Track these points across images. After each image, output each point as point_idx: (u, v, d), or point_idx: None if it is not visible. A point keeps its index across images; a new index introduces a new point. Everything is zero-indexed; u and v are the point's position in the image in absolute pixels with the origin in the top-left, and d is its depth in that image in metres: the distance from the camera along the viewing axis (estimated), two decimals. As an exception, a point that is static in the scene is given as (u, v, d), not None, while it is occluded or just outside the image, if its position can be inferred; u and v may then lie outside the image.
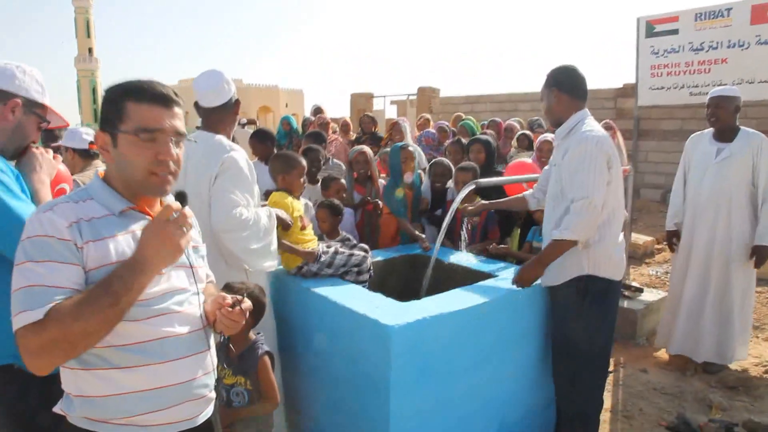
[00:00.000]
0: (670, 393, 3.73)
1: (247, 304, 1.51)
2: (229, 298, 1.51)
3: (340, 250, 2.99)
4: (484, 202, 3.36)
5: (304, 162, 3.18)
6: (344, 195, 4.04)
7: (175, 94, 1.44)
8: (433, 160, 4.51)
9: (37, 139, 1.99)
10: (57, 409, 1.43)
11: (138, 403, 1.37)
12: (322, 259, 2.91)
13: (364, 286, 2.94)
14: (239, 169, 2.60)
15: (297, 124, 8.60)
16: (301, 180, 3.12)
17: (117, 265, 1.30)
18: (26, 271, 1.26)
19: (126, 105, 1.36)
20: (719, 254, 3.89)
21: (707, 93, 4.59)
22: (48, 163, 2.01)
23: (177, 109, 1.43)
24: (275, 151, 5.15)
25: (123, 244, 1.37)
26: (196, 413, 1.49)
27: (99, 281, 1.27)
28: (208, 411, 1.54)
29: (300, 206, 3.10)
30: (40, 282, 1.24)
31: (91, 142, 3.65)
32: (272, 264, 2.77)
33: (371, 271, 3.06)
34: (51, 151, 2.04)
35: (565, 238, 2.59)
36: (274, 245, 2.75)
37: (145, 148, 1.37)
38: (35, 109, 1.89)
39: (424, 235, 3.72)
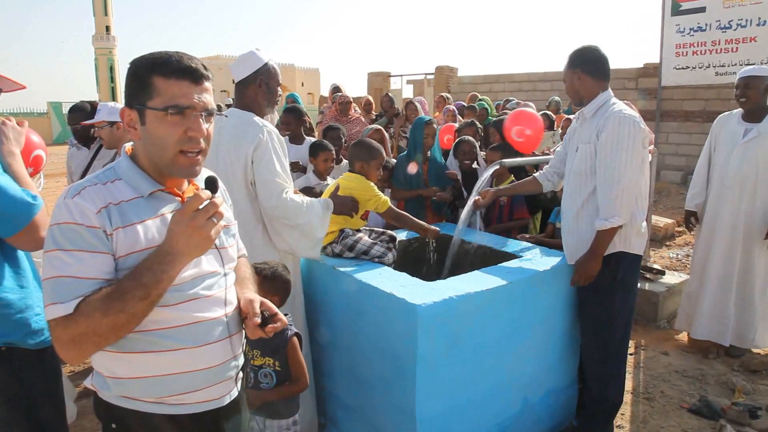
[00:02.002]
0: (691, 376, 3.72)
1: (280, 325, 1.46)
2: (258, 316, 1.46)
3: (365, 238, 3.00)
4: (491, 189, 3.32)
5: (384, 153, 3.24)
6: (332, 165, 4.14)
7: (205, 68, 1.36)
8: (458, 139, 4.49)
9: None
10: (88, 384, 1.44)
11: (169, 384, 1.38)
12: (345, 240, 2.93)
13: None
14: (276, 149, 2.63)
15: (313, 102, 8.65)
16: (378, 171, 3.19)
17: (146, 257, 1.26)
18: (55, 260, 1.24)
19: (154, 80, 1.30)
20: (744, 235, 3.84)
21: (734, 73, 4.49)
22: (15, 132, 1.94)
23: (207, 84, 1.36)
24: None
25: (152, 229, 1.33)
26: (225, 393, 1.49)
27: (129, 273, 1.24)
28: (235, 391, 1.55)
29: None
30: (69, 273, 1.22)
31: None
32: (317, 253, 2.80)
33: (395, 256, 3.05)
34: (13, 119, 1.98)
35: (614, 226, 2.64)
36: (322, 234, 2.77)
37: (174, 124, 1.30)
38: None
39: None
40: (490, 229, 3.76)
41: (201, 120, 1.33)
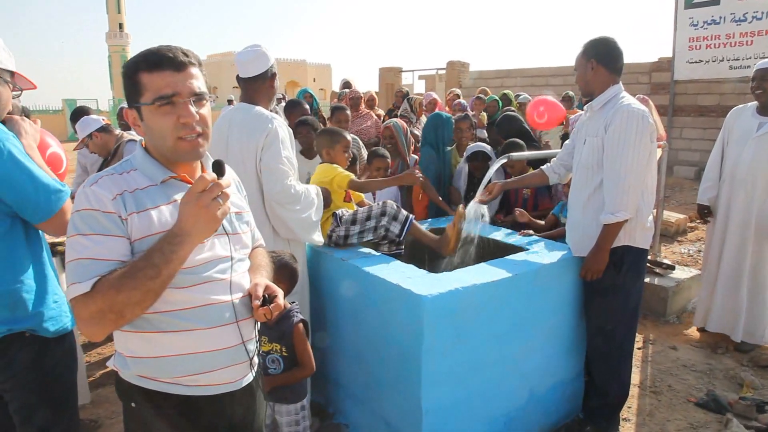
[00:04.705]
0: (699, 370, 3.71)
1: (273, 307, 1.50)
2: (260, 299, 1.50)
3: (360, 208, 3.06)
4: (499, 182, 3.33)
5: (348, 136, 3.28)
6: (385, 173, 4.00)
7: (185, 54, 1.40)
8: (472, 150, 4.34)
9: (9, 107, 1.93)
10: (110, 364, 1.52)
11: (184, 365, 1.44)
12: (344, 218, 2.99)
13: (400, 251, 3.05)
14: (284, 140, 2.71)
15: (325, 98, 8.71)
16: (346, 154, 3.23)
17: (158, 238, 1.32)
18: (76, 244, 1.32)
19: (140, 77, 1.37)
20: (755, 230, 3.83)
21: (748, 66, 4.42)
22: (32, 129, 2.03)
23: (192, 70, 1.40)
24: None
25: (166, 213, 1.40)
26: (239, 377, 1.55)
27: (141, 254, 1.31)
28: (251, 375, 1.60)
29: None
30: (88, 255, 1.30)
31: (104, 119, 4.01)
32: (320, 238, 2.90)
33: (408, 223, 3.00)
34: (26, 118, 2.06)
35: (620, 220, 2.65)
36: (318, 218, 2.85)
37: (166, 114, 1.36)
38: (6, 76, 1.86)
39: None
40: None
41: (190, 105, 1.38)
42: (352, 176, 3.13)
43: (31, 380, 1.89)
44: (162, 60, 1.36)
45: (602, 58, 2.75)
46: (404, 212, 3.02)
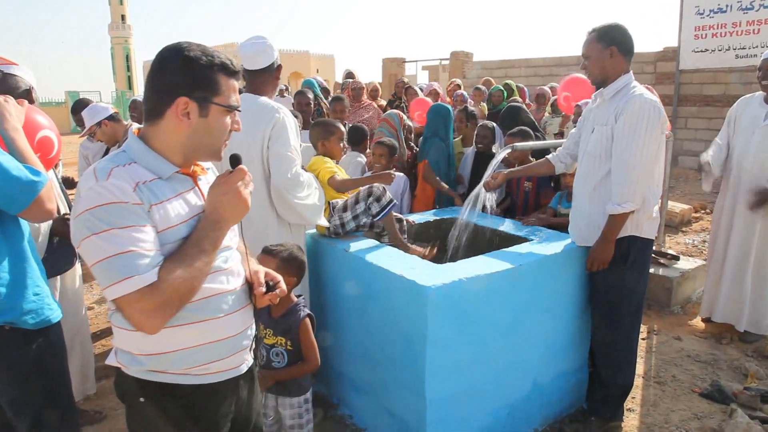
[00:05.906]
0: (704, 361, 3.70)
1: (280, 290, 1.60)
2: (263, 285, 1.58)
3: (350, 194, 3.07)
4: (505, 171, 3.30)
5: (342, 128, 3.28)
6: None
7: None
8: (479, 124, 4.63)
9: None
10: (113, 362, 1.49)
11: (195, 356, 1.46)
12: (337, 207, 3.00)
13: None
14: (290, 128, 2.75)
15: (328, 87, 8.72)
16: (341, 145, 3.24)
17: (197, 228, 1.39)
18: (113, 237, 1.26)
19: (220, 78, 1.41)
20: (762, 220, 3.80)
21: (755, 55, 4.38)
22: (16, 110, 1.97)
23: None
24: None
25: (177, 207, 1.41)
26: (242, 362, 1.60)
27: (188, 242, 1.37)
28: (250, 359, 1.65)
29: (343, 170, 3.22)
30: (134, 248, 1.26)
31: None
32: (325, 222, 2.96)
33: (388, 207, 2.94)
34: (11, 98, 2.01)
35: (626, 211, 2.63)
36: (322, 203, 2.90)
37: (226, 119, 1.46)
38: None
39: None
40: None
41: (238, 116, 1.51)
42: (335, 174, 3.12)
43: (17, 373, 1.87)
44: (236, 71, 1.47)
45: (622, 46, 2.69)
46: (389, 197, 2.97)
